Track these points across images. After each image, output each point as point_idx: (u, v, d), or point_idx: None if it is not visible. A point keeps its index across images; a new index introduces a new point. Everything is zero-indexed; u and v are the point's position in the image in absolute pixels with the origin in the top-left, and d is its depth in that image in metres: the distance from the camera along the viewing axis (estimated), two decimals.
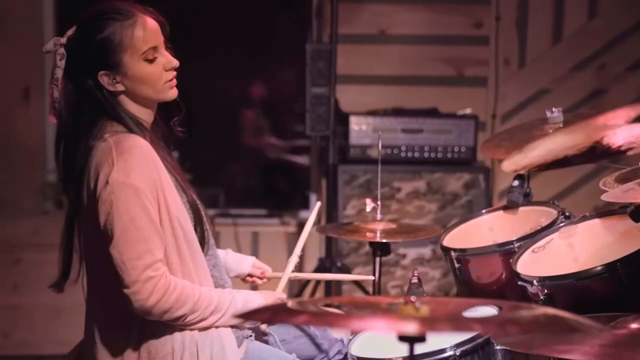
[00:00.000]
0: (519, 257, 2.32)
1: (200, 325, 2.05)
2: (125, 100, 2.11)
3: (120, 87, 2.09)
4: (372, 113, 4.35)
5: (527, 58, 4.64)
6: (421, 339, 1.27)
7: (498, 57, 4.60)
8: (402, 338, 1.28)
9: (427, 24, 4.60)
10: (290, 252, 4.59)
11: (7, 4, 4.46)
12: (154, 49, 2.09)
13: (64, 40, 2.11)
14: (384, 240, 2.67)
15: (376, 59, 4.62)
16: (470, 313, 1.37)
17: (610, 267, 2.05)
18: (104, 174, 1.98)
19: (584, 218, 2.38)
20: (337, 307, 1.41)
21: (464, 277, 2.52)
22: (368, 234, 2.68)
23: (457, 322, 1.21)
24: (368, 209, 2.72)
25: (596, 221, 2.36)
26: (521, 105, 4.63)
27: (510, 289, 2.36)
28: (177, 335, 2.06)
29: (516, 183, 2.65)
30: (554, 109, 2.63)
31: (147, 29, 2.08)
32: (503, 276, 2.45)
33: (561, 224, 2.39)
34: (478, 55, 4.63)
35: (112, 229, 1.96)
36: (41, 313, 4.18)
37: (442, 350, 2.10)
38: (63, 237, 2.15)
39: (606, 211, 2.35)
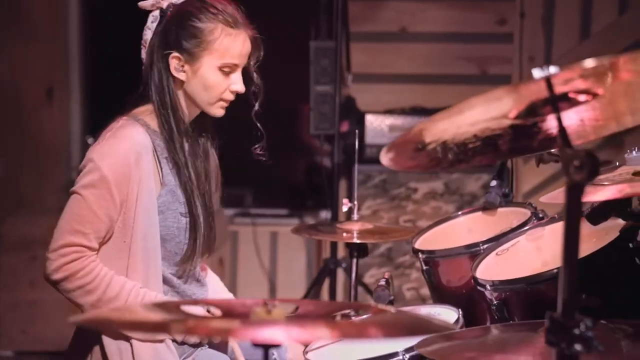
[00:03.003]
0: (481, 261, 2.22)
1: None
2: (176, 91, 2.09)
3: (181, 77, 2.07)
4: (389, 112, 4.27)
5: (553, 55, 4.47)
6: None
7: (522, 55, 4.46)
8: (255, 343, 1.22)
9: (450, 21, 4.49)
10: (308, 254, 4.60)
11: (32, 5, 4.54)
12: (235, 66, 2.07)
13: (164, 4, 2.09)
14: (359, 241, 2.59)
15: (397, 57, 4.54)
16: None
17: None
18: (92, 146, 2.03)
19: (553, 220, 2.26)
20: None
21: (433, 280, 2.42)
22: (344, 234, 2.61)
23: (297, 325, 1.15)
24: (345, 208, 2.65)
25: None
26: None
27: (479, 293, 2.26)
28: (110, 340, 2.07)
29: (494, 183, 2.54)
30: None
31: (242, 48, 2.06)
32: (472, 280, 2.35)
33: (527, 226, 2.28)
34: (502, 53, 4.50)
35: (69, 196, 2.01)
36: (58, 309, 4.23)
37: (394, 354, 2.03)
38: None
39: None
